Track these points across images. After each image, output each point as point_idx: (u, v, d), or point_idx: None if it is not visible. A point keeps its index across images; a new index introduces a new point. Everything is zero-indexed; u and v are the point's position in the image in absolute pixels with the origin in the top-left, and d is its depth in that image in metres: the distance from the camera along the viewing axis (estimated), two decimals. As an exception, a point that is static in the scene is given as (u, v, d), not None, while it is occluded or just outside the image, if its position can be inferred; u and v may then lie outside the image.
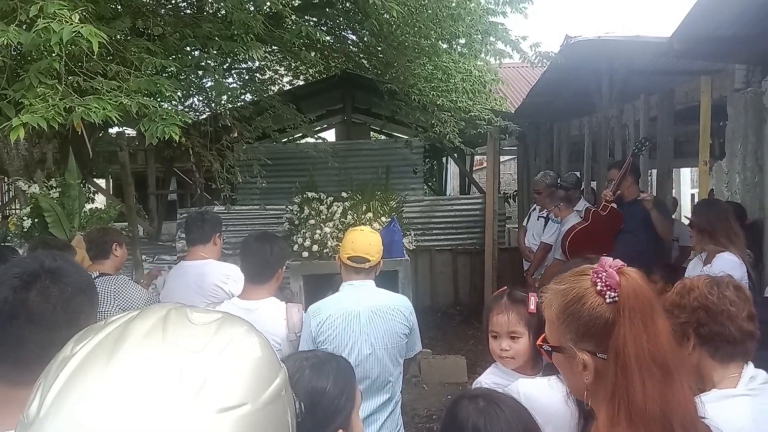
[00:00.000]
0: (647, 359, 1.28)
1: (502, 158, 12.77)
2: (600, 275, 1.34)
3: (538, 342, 1.49)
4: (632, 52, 5.84)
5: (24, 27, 3.01)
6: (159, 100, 3.68)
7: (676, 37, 4.44)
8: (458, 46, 7.29)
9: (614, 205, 5.15)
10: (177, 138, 3.35)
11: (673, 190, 6.79)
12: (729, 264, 3.47)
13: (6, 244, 5.29)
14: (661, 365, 1.29)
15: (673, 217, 6.43)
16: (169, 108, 3.74)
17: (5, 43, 2.81)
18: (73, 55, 3.15)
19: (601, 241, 4.92)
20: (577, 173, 7.49)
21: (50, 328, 1.24)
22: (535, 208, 7.01)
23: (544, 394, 1.78)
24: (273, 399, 0.62)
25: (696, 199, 11.46)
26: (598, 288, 1.33)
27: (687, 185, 15.27)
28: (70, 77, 3.25)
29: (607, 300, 1.32)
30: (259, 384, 0.61)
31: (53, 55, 3.02)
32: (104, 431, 0.53)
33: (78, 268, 1.44)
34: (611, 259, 1.37)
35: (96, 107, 3.03)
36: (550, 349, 1.45)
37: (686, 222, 5.24)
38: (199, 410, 0.56)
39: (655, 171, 7.05)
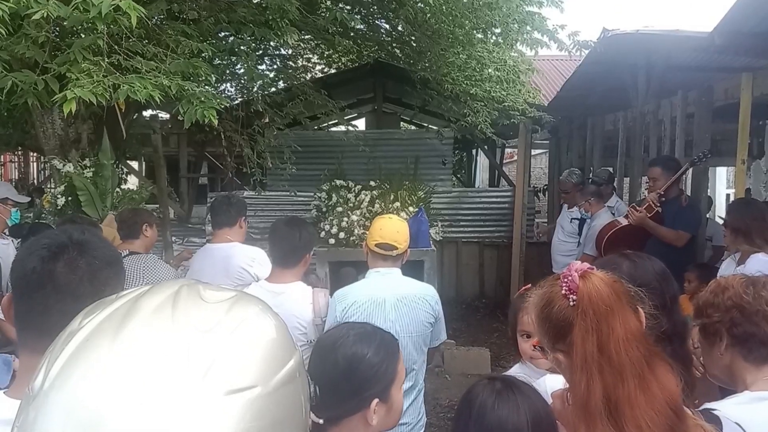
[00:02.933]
0: (592, 360, 1.34)
1: (534, 152, 12.61)
2: (566, 279, 1.40)
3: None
4: (671, 47, 5.70)
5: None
6: (195, 83, 3.71)
7: (718, 32, 4.33)
8: (493, 36, 7.21)
9: (659, 209, 5.03)
10: (215, 121, 3.39)
11: (708, 189, 6.63)
12: (764, 265, 3.38)
13: (41, 221, 5.40)
14: (608, 366, 1.33)
15: (707, 216, 6.30)
16: (206, 91, 3.78)
17: (45, 16, 2.86)
18: (113, 35, 3.20)
19: (638, 242, 4.84)
20: (610, 169, 7.37)
21: (76, 298, 1.25)
22: (564, 205, 6.93)
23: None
24: (286, 382, 0.60)
25: (732, 199, 11.22)
26: (563, 292, 1.40)
27: (722, 184, 14.95)
28: (110, 56, 3.30)
29: (570, 303, 1.38)
30: (272, 366, 0.59)
31: (96, 32, 3.07)
32: (106, 408, 0.52)
33: (105, 242, 1.45)
34: (579, 263, 1.44)
35: (139, 86, 3.08)
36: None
37: (720, 221, 5.13)
38: (206, 392, 0.54)
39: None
